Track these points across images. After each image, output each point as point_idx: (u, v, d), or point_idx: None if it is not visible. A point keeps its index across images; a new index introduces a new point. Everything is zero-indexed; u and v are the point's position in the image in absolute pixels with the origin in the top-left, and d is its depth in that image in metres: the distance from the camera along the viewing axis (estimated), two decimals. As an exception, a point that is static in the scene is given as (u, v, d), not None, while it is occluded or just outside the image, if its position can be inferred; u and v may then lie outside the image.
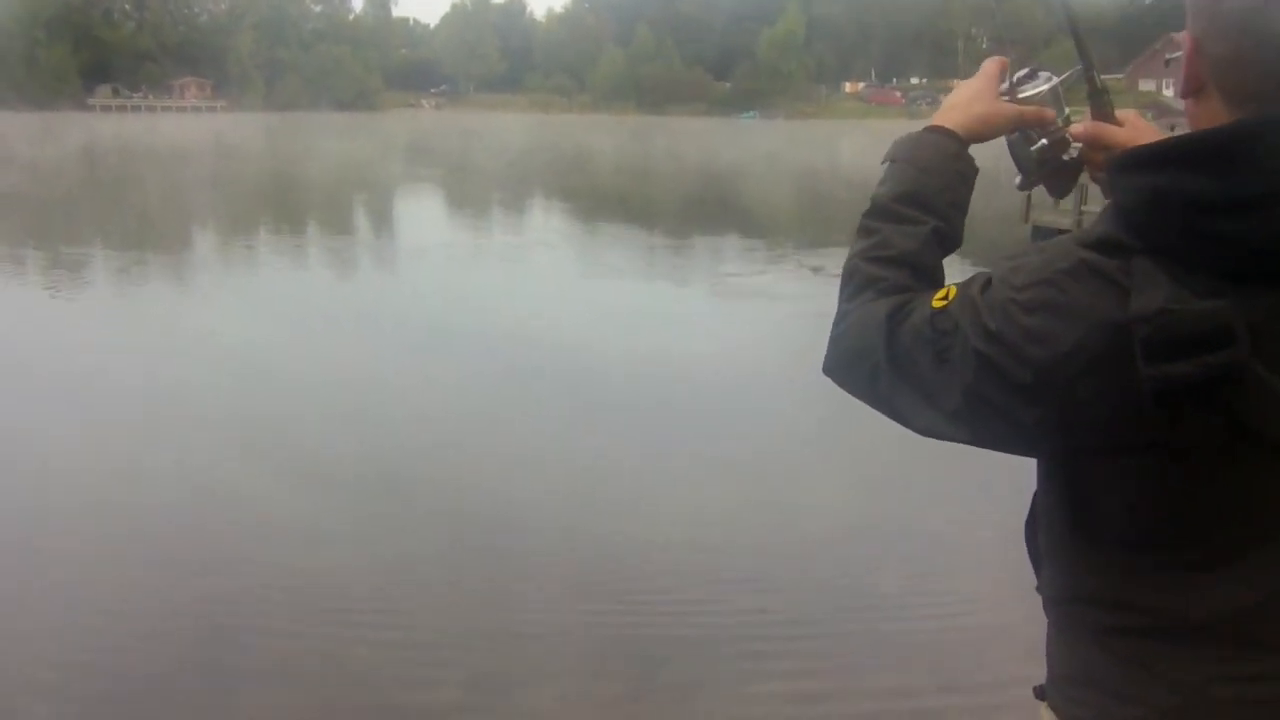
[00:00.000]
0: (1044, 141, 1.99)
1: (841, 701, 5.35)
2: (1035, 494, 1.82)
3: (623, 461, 9.10)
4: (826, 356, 1.85)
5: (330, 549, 7.25)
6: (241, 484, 8.38)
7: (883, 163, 1.97)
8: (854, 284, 1.83)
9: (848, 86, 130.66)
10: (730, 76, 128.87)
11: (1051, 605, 1.81)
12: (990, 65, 2.02)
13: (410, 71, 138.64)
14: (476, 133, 78.20)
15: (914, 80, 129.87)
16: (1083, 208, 20.09)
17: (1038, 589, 1.84)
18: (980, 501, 7.26)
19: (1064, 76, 2.04)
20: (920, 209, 1.84)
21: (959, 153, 1.93)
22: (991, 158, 2.05)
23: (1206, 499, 1.54)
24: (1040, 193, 2.11)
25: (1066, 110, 2.01)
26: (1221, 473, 1.52)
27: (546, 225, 29.36)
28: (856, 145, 62.66)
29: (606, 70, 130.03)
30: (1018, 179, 2.05)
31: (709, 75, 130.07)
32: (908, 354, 1.68)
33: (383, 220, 31.48)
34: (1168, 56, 60.33)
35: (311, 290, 18.89)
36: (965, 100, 1.99)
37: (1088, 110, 1.99)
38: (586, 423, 10.10)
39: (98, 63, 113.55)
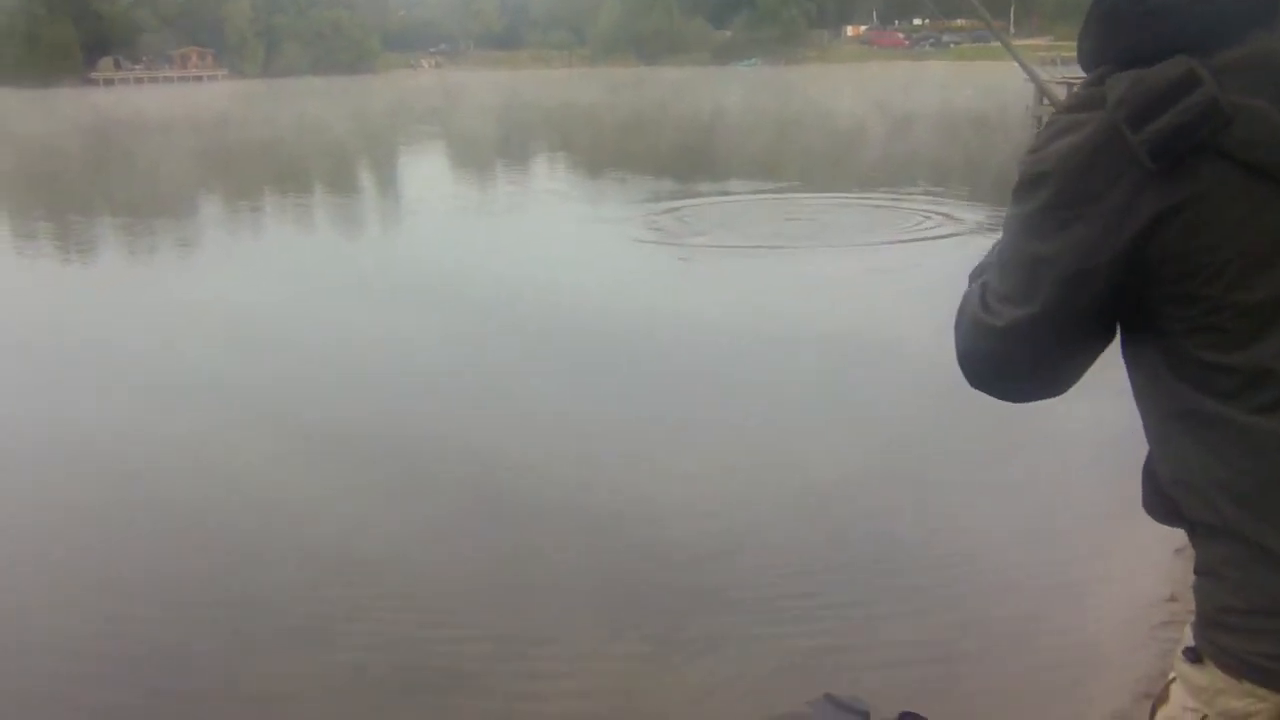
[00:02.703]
0: None
1: (864, 653, 5.36)
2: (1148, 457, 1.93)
3: (628, 421, 9.07)
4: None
5: (343, 512, 7.30)
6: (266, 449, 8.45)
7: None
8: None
9: (849, 30, 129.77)
10: (730, 25, 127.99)
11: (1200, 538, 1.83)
12: None
13: (409, 32, 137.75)
14: (476, 91, 77.80)
15: (916, 22, 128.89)
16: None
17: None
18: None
19: None
20: None
21: None
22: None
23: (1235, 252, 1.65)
24: None
25: None
26: (1242, 218, 1.64)
27: (539, 180, 29.16)
28: (856, 89, 62.31)
29: (605, 23, 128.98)
30: None
31: (708, 24, 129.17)
32: (989, 286, 1.89)
33: (379, 179, 31.41)
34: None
35: (314, 252, 19.05)
36: None
37: None
38: (590, 383, 10.12)
39: (98, 36, 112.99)
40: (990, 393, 1.97)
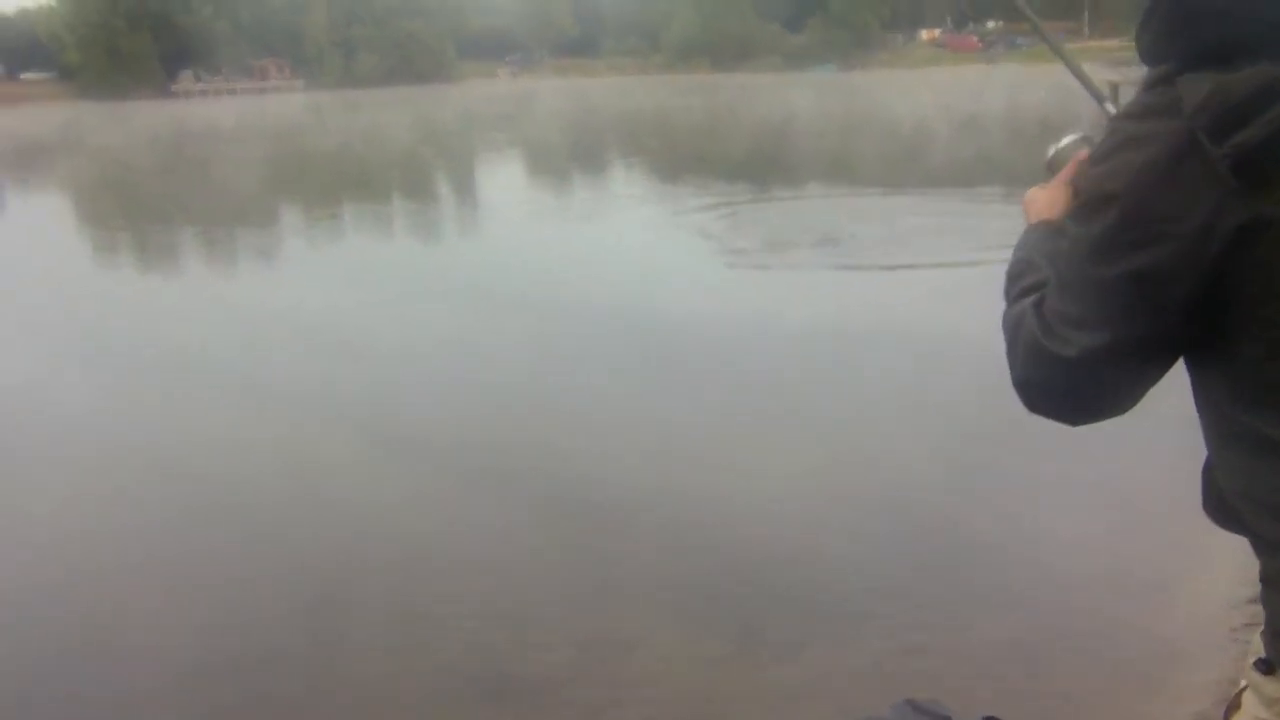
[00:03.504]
0: None
1: (946, 655, 5.38)
2: (1206, 461, 1.87)
3: (702, 420, 9.10)
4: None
5: (425, 516, 7.43)
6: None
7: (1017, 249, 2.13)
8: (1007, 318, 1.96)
9: (924, 34, 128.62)
10: (803, 30, 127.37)
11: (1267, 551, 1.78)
12: (1061, 173, 2.20)
13: (484, 41, 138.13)
14: (552, 98, 77.88)
15: (990, 24, 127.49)
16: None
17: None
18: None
19: (1090, 129, 2.24)
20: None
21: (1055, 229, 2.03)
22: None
23: None
24: None
25: None
26: None
27: (617, 184, 28.95)
28: (934, 92, 61.76)
29: (679, 30, 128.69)
30: None
31: (783, 29, 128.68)
32: (1046, 307, 1.80)
33: (455, 187, 31.37)
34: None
35: (390, 258, 19.16)
36: (1045, 204, 2.17)
37: None
38: (667, 388, 10.12)
39: (177, 49, 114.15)
40: (1052, 418, 1.90)
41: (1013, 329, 1.90)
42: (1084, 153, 2.15)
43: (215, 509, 7.70)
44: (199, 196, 29.87)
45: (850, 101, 59.63)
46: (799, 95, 65.34)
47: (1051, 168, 2.27)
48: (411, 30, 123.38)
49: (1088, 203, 1.69)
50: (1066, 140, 2.27)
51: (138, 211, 27.77)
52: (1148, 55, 1.70)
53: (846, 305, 13.06)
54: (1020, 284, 1.97)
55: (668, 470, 7.99)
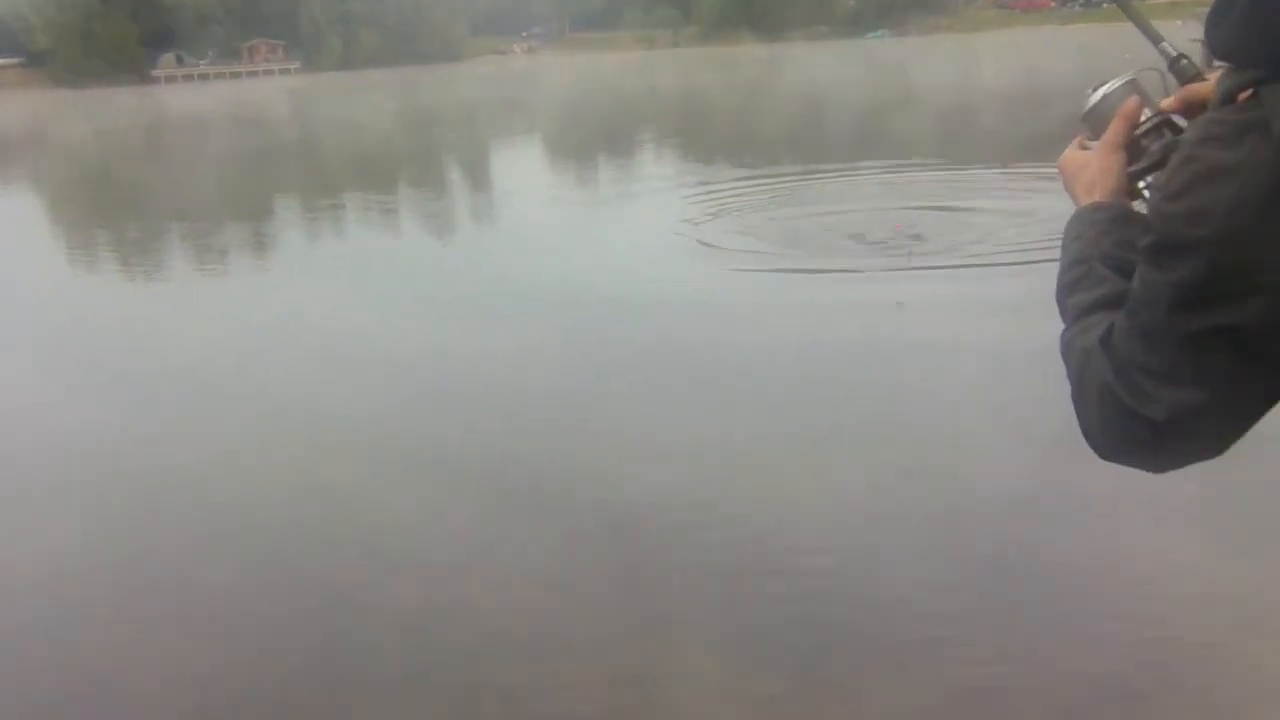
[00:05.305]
0: (1141, 137, 2.01)
1: (1024, 694, 5.31)
2: None
3: (746, 437, 9.02)
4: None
5: (446, 545, 7.43)
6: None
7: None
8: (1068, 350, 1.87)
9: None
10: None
11: None
12: (1109, 133, 2.05)
13: (500, 14, 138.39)
14: (567, 77, 77.84)
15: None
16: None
17: None
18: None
19: (1139, 70, 2.07)
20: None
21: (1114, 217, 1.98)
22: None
23: None
24: None
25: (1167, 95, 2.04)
26: None
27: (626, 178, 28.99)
28: (998, 61, 61.48)
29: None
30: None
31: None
32: (1119, 349, 1.69)
33: (443, 182, 31.38)
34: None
35: (373, 263, 18.97)
36: (1097, 174, 2.05)
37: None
38: (702, 394, 10.09)
39: (159, 30, 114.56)
40: (1131, 467, 1.82)
41: (1078, 365, 1.81)
42: (1133, 101, 2.02)
43: (212, 533, 7.74)
44: (182, 192, 30.04)
45: (893, 77, 59.42)
46: (839, 69, 65.21)
47: (1090, 120, 2.08)
48: (417, 6, 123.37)
49: (1166, 247, 1.57)
50: (1112, 85, 2.06)
51: (112, 210, 28.00)
52: (1223, 53, 1.56)
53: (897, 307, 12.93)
54: (1079, 296, 1.89)
55: (707, 490, 7.94)
